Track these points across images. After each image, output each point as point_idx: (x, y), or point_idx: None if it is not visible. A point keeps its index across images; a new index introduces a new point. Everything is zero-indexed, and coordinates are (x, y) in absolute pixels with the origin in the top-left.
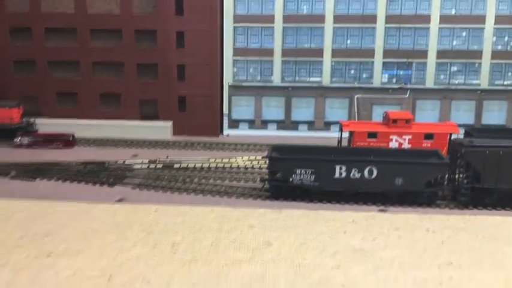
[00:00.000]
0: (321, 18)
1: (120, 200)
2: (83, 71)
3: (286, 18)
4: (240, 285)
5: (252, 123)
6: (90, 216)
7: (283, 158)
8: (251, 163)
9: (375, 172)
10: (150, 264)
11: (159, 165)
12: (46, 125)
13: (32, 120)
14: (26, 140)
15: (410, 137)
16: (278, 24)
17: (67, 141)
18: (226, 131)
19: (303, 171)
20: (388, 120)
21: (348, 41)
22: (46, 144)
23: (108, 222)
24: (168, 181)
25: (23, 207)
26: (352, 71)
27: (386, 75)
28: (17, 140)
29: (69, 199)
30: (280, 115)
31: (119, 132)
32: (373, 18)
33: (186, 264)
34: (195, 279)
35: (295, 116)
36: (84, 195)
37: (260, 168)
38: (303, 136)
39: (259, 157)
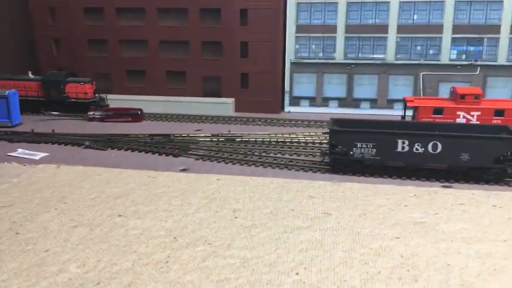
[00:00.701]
0: None
1: (184, 170)
2: (150, 50)
3: None
4: (299, 250)
5: (313, 101)
6: (157, 182)
7: (344, 130)
8: (311, 138)
9: (440, 147)
10: (212, 227)
11: (221, 139)
12: (116, 100)
13: (103, 95)
14: (98, 114)
15: (479, 113)
16: (342, 0)
17: (135, 115)
18: (287, 108)
19: (364, 144)
20: (455, 96)
21: (415, 16)
22: (116, 118)
23: (173, 189)
24: (229, 153)
25: (96, 172)
26: (419, 47)
27: (455, 52)
28: (90, 113)
29: (137, 167)
30: (341, 92)
31: (183, 108)
32: None
33: (246, 229)
34: (254, 243)
35: (357, 93)
36: (151, 164)
37: (320, 143)
38: (364, 114)
39: (319, 132)
